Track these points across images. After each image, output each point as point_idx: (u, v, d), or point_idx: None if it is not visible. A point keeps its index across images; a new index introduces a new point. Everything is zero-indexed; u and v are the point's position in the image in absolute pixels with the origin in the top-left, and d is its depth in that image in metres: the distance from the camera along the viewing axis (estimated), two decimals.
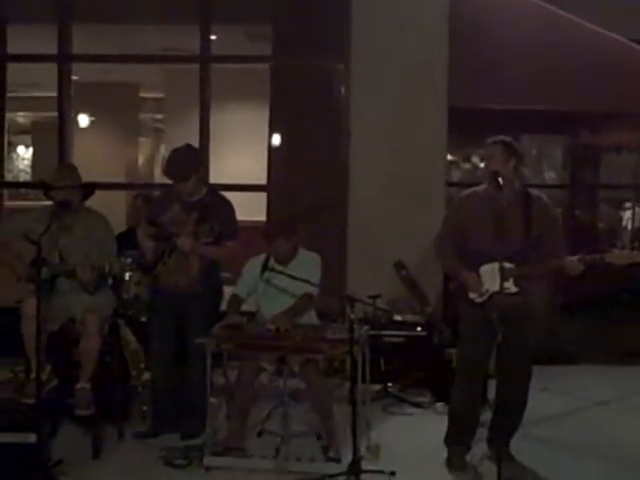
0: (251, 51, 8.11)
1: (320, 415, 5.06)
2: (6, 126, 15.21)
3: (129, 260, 5.06)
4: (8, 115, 15.20)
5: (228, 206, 5.47)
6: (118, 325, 5.61)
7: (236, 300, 5.31)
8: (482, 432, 5.13)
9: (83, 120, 12.86)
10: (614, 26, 8.44)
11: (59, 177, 5.33)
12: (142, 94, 13.12)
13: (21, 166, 17.42)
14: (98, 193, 7.22)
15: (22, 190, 14.12)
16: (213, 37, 7.60)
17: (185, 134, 7.38)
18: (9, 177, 16.37)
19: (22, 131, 16.98)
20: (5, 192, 12.75)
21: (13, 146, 17.27)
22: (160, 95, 12.68)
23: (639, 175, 10.45)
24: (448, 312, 6.75)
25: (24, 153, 17.51)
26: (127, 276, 5.95)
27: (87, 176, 5.85)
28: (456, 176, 10.97)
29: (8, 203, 12.41)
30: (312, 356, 4.95)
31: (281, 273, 5.06)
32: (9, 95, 12.38)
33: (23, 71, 9.05)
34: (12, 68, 8.22)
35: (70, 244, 5.23)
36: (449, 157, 10.95)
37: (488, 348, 4.88)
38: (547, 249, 4.77)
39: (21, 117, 16.52)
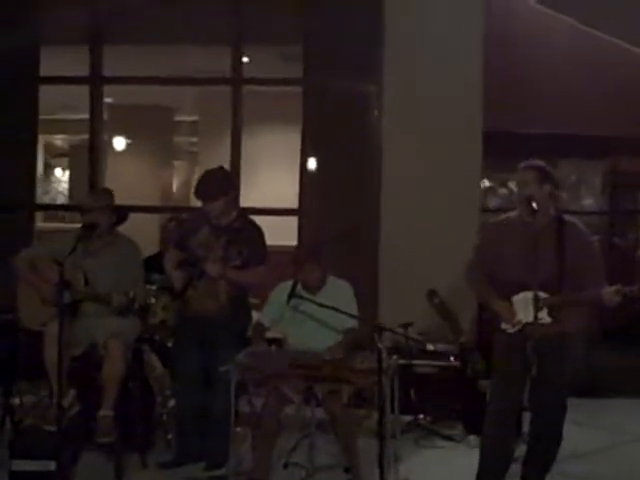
0: (284, 73, 8.03)
1: (343, 447, 4.92)
2: (42, 148, 15.46)
3: (154, 287, 4.97)
4: (46, 138, 15.48)
5: (257, 231, 5.40)
6: (142, 351, 5.52)
7: (260, 328, 5.21)
8: (516, 468, 4.93)
9: (118, 143, 12.91)
10: None
11: (88, 199, 5.30)
12: (177, 117, 13.15)
13: (59, 189, 17.55)
14: (132, 216, 7.22)
15: (59, 212, 14.22)
16: (245, 59, 7.54)
17: (219, 157, 7.32)
18: (47, 199, 16.55)
19: (60, 154, 17.14)
20: (40, 214, 12.98)
21: (51, 169, 17.44)
22: (195, 118, 12.69)
23: None
24: (482, 342, 6.59)
25: (61, 176, 17.65)
26: (152, 300, 5.85)
27: (121, 199, 5.85)
28: (493, 202, 10.80)
29: (44, 225, 12.53)
30: (338, 386, 4.82)
31: (309, 301, 4.93)
32: (48, 117, 12.59)
33: (61, 93, 9.08)
34: (51, 90, 8.23)
35: (96, 268, 5.19)
36: (486, 183, 10.81)
37: (522, 380, 4.70)
38: (583, 277, 4.58)
39: (59, 140, 16.68)
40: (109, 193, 5.49)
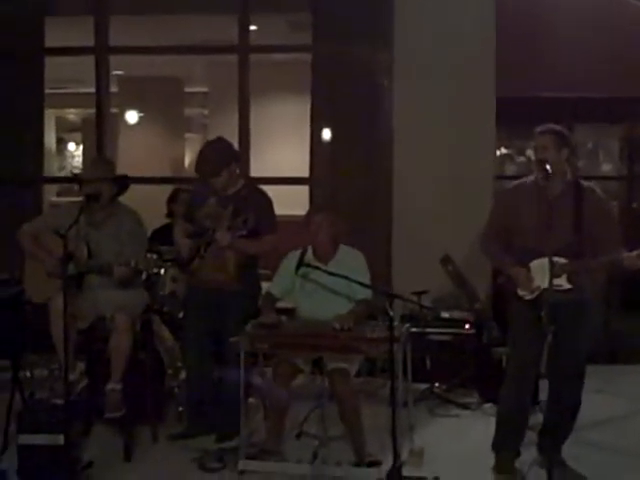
0: (292, 41, 7.89)
1: (347, 425, 4.80)
2: (54, 123, 15.38)
3: (155, 256, 4.87)
4: (58, 112, 15.41)
5: (265, 199, 5.28)
6: (151, 322, 5.45)
7: (270, 298, 5.10)
8: (533, 436, 4.85)
9: (129, 115, 12.83)
10: None
11: (89, 170, 5.20)
12: (188, 89, 13.02)
13: (74, 163, 17.49)
14: (143, 187, 7.12)
15: (74, 186, 14.12)
16: (254, 27, 7.40)
17: (229, 128, 7.20)
18: (62, 174, 16.48)
19: (73, 128, 17.07)
20: (54, 189, 12.93)
21: (64, 143, 17.39)
22: (206, 89, 12.56)
23: None
24: (498, 309, 6.49)
25: (75, 150, 17.60)
26: (162, 272, 5.77)
27: (133, 172, 5.79)
28: (511, 170, 10.68)
29: (58, 199, 12.48)
30: (345, 360, 4.75)
31: (317, 269, 4.82)
32: (59, 92, 12.49)
33: (72, 67, 8.98)
34: (62, 64, 8.13)
35: (100, 240, 5.11)
36: (503, 150, 10.66)
37: (539, 347, 4.58)
38: (601, 243, 4.47)
39: (71, 114, 16.60)
40: (110, 163, 5.41)
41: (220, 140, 5.27)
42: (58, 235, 4.62)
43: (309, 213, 5.21)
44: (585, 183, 4.61)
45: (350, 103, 7.10)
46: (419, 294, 6.11)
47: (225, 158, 5.14)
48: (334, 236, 5.07)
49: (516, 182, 4.78)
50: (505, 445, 4.74)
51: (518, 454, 4.74)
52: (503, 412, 4.78)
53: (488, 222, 4.86)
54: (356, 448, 4.77)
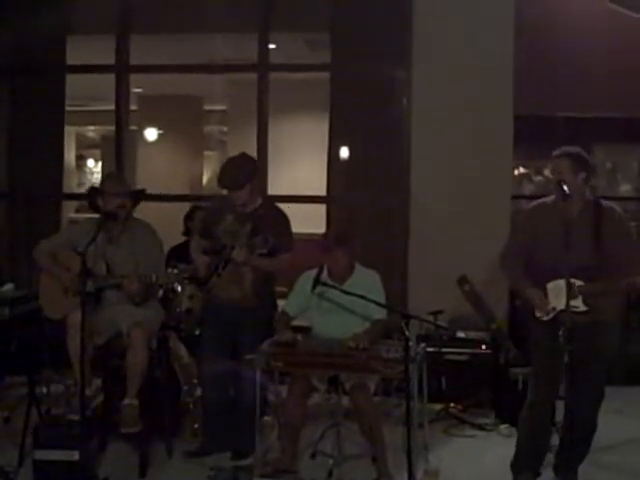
0: (311, 61, 7.92)
1: (369, 440, 4.80)
2: (74, 140, 15.50)
3: (175, 271, 4.89)
4: (78, 129, 15.53)
5: (283, 217, 5.29)
6: (167, 339, 5.46)
7: (285, 317, 5.12)
8: (549, 457, 4.81)
9: (148, 133, 12.91)
10: None
11: (111, 187, 5.19)
12: (207, 106, 13.10)
13: (93, 180, 17.61)
14: (161, 205, 7.15)
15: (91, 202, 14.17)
16: (273, 46, 7.45)
17: (248, 146, 7.20)
18: (81, 190, 16.59)
19: (92, 145, 17.20)
20: (73, 205, 13.00)
21: (83, 160, 17.52)
22: (225, 107, 12.62)
23: None
24: (514, 329, 6.47)
25: (94, 167, 17.72)
26: (179, 289, 5.79)
27: (152, 189, 5.85)
28: (528, 189, 10.67)
29: (77, 215, 12.53)
30: (365, 377, 4.74)
31: (333, 287, 4.83)
32: (79, 109, 12.59)
33: (93, 84, 9.05)
34: (82, 81, 8.20)
35: (117, 255, 5.13)
36: (521, 169, 10.66)
37: (559, 368, 4.55)
38: (620, 264, 4.43)
39: (91, 131, 16.72)
40: (125, 179, 5.44)
41: (244, 155, 5.30)
42: (76, 252, 4.67)
43: (325, 236, 5.23)
44: (605, 203, 4.58)
45: (368, 122, 7.10)
46: (435, 314, 6.11)
47: (249, 172, 5.16)
48: (350, 256, 5.08)
49: (536, 202, 4.76)
50: (524, 467, 4.71)
51: (538, 475, 4.72)
52: (524, 434, 4.73)
53: (508, 241, 4.87)
54: (378, 464, 4.77)
